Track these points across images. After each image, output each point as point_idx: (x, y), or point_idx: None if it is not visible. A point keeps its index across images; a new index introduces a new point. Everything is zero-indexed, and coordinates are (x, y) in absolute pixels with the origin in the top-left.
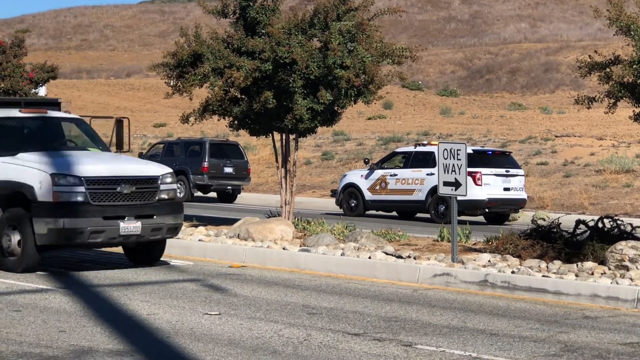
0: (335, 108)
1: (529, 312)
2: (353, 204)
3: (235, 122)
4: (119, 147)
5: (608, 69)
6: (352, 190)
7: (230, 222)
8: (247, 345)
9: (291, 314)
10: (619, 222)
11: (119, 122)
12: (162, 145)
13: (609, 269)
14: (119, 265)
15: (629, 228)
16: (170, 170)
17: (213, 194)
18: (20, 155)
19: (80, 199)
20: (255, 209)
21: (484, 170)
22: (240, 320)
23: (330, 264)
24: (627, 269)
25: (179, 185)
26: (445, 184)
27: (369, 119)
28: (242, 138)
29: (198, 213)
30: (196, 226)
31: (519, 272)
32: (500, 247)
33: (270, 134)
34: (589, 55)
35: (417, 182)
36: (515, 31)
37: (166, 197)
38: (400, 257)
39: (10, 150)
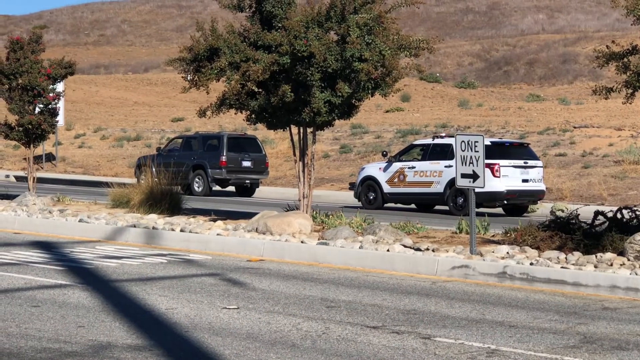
0: (353, 101)
1: (547, 303)
2: (371, 197)
3: (253, 115)
4: None
5: (626, 59)
6: (370, 183)
7: (248, 216)
8: (265, 339)
9: (309, 308)
10: (637, 212)
11: None
12: (180, 140)
13: (628, 259)
14: (137, 260)
15: None
16: None
17: (231, 188)
18: None
19: None
20: (274, 203)
21: (502, 162)
22: (258, 314)
23: (348, 257)
24: None
25: (197, 179)
26: (463, 176)
27: (387, 111)
28: (260, 132)
29: (216, 207)
30: (214, 220)
31: (537, 263)
32: (519, 238)
33: (288, 128)
34: (607, 46)
35: (435, 175)
36: (532, 22)
37: None
38: (418, 249)
39: None
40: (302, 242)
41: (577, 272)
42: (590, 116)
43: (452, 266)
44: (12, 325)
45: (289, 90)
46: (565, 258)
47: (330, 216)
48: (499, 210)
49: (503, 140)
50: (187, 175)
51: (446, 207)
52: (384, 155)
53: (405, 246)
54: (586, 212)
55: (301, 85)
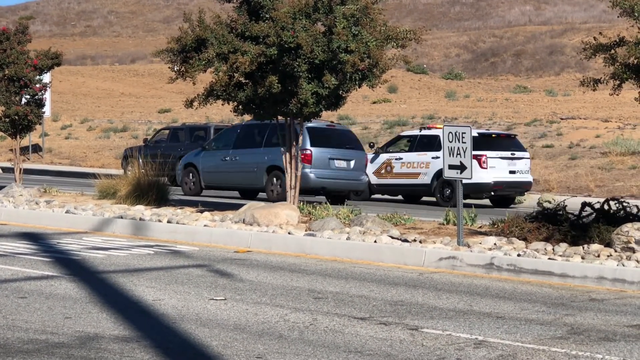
0: (340, 92)
1: (535, 295)
2: None
3: (240, 106)
4: None
5: (613, 51)
6: None
7: (235, 207)
8: (253, 330)
9: (297, 299)
10: (624, 204)
11: None
12: (167, 131)
13: (615, 251)
14: (124, 251)
15: (634, 210)
16: None
17: None
18: None
19: None
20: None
21: (489, 154)
22: (246, 305)
23: (335, 248)
24: (633, 251)
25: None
26: (451, 167)
27: (374, 102)
28: None
29: (203, 198)
30: (201, 211)
31: (525, 255)
32: (506, 230)
33: (275, 119)
34: (594, 37)
35: (422, 166)
36: (519, 14)
37: None
38: (406, 240)
39: None
40: (289, 233)
41: (564, 263)
42: (577, 108)
43: (440, 257)
44: None
45: (276, 81)
46: (553, 249)
47: (317, 207)
48: (486, 201)
49: (490, 131)
50: (174, 167)
51: (433, 199)
52: (371, 147)
53: (392, 237)
54: (573, 203)
55: (288, 77)
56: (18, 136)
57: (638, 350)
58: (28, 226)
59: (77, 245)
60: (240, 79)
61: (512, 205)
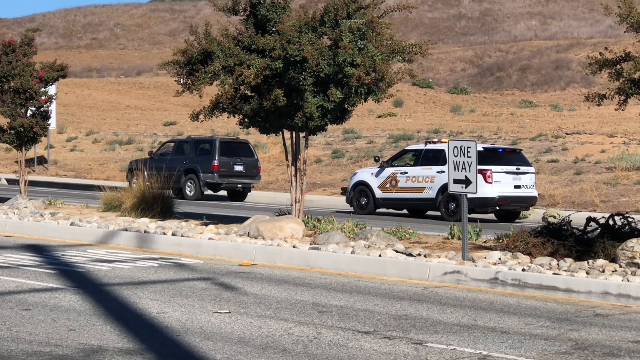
0: (346, 106)
1: (539, 309)
2: (363, 202)
3: (246, 120)
4: None
5: (618, 66)
6: (362, 188)
7: (240, 220)
8: (257, 344)
9: (301, 312)
10: (629, 219)
11: None
12: (172, 144)
13: (620, 266)
14: (128, 264)
15: None
16: None
17: (223, 192)
18: None
19: None
20: (266, 207)
21: (494, 168)
22: (250, 318)
23: (340, 262)
24: (638, 266)
25: (189, 183)
26: (456, 181)
27: (380, 116)
28: (252, 136)
29: (208, 211)
30: (206, 224)
31: (529, 269)
32: (511, 244)
33: (281, 132)
34: (600, 53)
35: (427, 180)
36: (525, 29)
37: None
38: (410, 255)
39: None
40: (294, 246)
41: (569, 278)
42: (582, 123)
43: (444, 272)
44: (3, 329)
45: (282, 94)
46: (557, 264)
47: (322, 221)
48: (491, 216)
49: (495, 146)
50: (179, 179)
51: (438, 213)
52: (376, 161)
53: (397, 251)
54: (578, 218)
55: (294, 90)
56: (23, 148)
57: None
58: (33, 238)
59: (81, 257)
60: (246, 92)
61: (517, 220)
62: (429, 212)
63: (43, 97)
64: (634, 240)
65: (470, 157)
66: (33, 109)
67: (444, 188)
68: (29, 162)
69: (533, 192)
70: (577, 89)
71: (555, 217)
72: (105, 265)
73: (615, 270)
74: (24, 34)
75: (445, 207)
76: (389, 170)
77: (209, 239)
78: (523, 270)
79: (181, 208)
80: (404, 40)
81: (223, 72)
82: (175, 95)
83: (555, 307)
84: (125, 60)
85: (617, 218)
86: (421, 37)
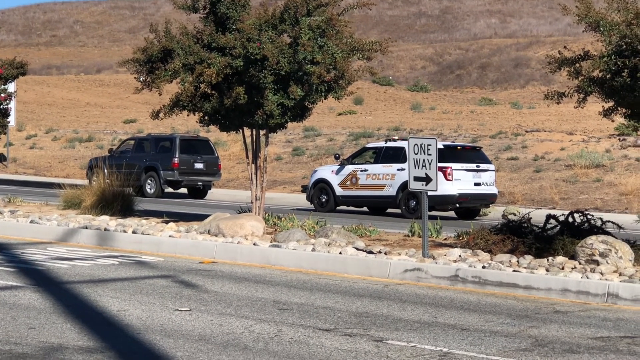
0: (306, 104)
1: (499, 307)
2: (324, 200)
3: (206, 117)
4: None
5: (577, 64)
6: (322, 185)
7: (201, 218)
8: (217, 341)
9: (262, 310)
10: (589, 216)
11: None
12: (132, 142)
13: (580, 263)
14: (89, 261)
15: (599, 222)
16: None
17: (184, 190)
18: None
19: None
20: (226, 205)
21: (454, 166)
22: (210, 316)
23: (301, 259)
24: (597, 263)
25: (149, 181)
26: (416, 179)
27: (340, 114)
28: (213, 134)
29: (169, 209)
30: (167, 222)
31: (489, 267)
32: (471, 242)
33: (241, 130)
34: (559, 51)
35: (387, 178)
36: (485, 26)
37: None
38: (371, 252)
39: None
40: (254, 244)
41: (529, 275)
42: (542, 120)
43: (405, 269)
44: None
45: (243, 92)
46: (517, 261)
47: (283, 219)
48: (451, 213)
49: (455, 143)
50: (140, 177)
51: (398, 210)
52: (337, 158)
53: (357, 249)
54: (538, 215)
55: (254, 88)
56: None
57: None
58: None
59: (41, 255)
60: (206, 89)
61: (477, 218)
62: (390, 210)
63: (2, 95)
64: (593, 237)
65: (430, 154)
66: None
67: (404, 185)
68: None
69: (493, 190)
70: (536, 87)
71: (515, 215)
72: (66, 263)
73: (575, 267)
74: None
75: (405, 204)
76: (349, 168)
77: (170, 236)
78: (483, 267)
79: (142, 206)
80: (364, 38)
81: (183, 70)
82: (135, 93)
83: (515, 304)
84: (85, 58)
85: (576, 215)
86: (381, 34)
